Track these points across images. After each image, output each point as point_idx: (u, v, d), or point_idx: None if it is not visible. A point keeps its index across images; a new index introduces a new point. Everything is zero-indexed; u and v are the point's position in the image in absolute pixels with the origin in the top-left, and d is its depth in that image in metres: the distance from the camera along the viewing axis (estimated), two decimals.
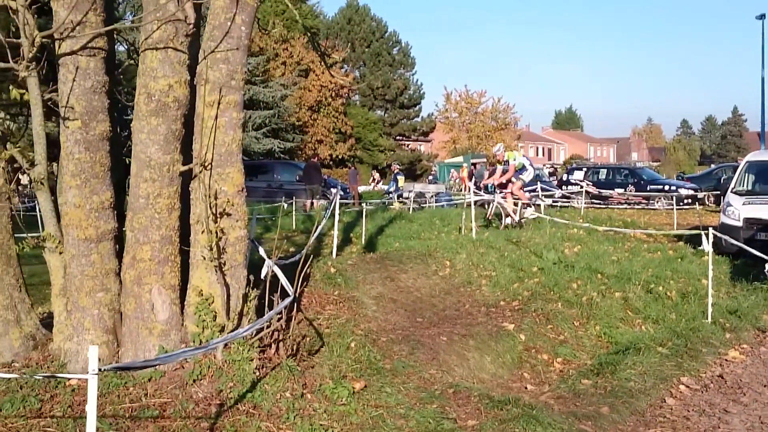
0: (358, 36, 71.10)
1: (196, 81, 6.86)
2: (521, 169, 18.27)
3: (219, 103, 6.82)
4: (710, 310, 10.52)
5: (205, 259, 6.84)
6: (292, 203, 24.73)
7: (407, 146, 77.55)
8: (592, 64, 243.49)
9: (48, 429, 5.76)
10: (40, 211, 7.31)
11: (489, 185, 22.10)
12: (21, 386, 6.35)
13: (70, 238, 6.72)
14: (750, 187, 17.72)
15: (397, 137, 75.04)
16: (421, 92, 75.57)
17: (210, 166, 6.83)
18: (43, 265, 7.25)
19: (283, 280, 7.69)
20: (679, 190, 33.83)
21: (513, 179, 18.09)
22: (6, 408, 6.00)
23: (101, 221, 6.72)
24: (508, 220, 18.62)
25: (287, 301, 7.09)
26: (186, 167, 6.82)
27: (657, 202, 32.71)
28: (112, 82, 6.94)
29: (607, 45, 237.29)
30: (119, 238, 7.02)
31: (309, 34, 25.41)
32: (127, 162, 7.17)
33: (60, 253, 6.92)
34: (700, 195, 33.77)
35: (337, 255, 13.24)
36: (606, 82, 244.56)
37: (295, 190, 30.36)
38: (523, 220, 18.65)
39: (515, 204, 18.53)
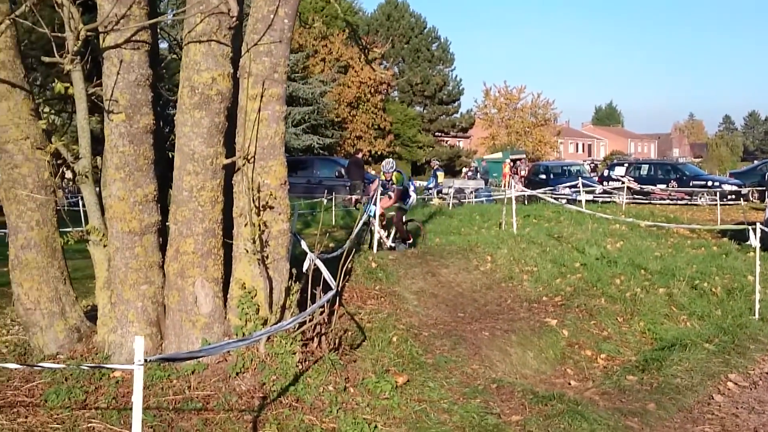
0: (397, 32, 70.88)
1: (239, 74, 6.86)
2: (405, 194, 15.39)
3: (262, 96, 6.81)
4: (758, 306, 10.36)
5: (248, 252, 6.84)
6: (331, 199, 24.75)
7: (446, 142, 77.30)
8: (632, 60, 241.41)
9: (93, 420, 5.79)
10: (82, 207, 7.35)
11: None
12: (66, 378, 6.39)
13: (114, 231, 6.75)
14: None
15: (436, 133, 74.79)
16: (460, 88, 75.28)
17: (253, 159, 6.83)
18: (86, 260, 7.30)
19: (326, 273, 7.67)
20: (723, 185, 33.35)
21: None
22: (51, 399, 6.04)
23: (145, 214, 6.75)
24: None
25: (330, 294, 7.07)
26: (229, 160, 6.82)
27: (700, 198, 32.28)
28: (155, 76, 6.95)
29: (647, 40, 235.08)
30: (163, 231, 7.04)
31: (350, 29, 25.23)
32: (170, 156, 7.18)
33: (104, 246, 6.95)
34: (743, 191, 33.30)
35: (377, 250, 13.21)
36: (647, 77, 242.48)
37: (335, 185, 30.37)
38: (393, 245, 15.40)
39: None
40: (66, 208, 8.37)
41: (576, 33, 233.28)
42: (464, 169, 50.89)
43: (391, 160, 15.30)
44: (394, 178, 14.87)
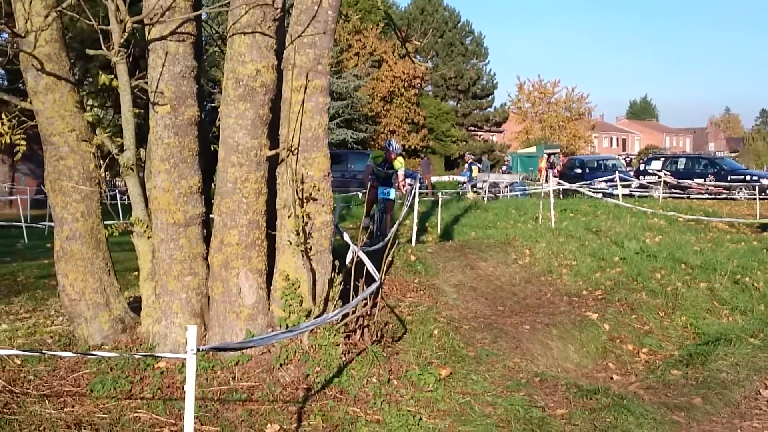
0: (431, 26, 70.68)
1: (283, 66, 6.86)
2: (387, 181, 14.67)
3: (305, 88, 6.81)
4: None
5: (291, 243, 6.85)
6: (366, 193, 24.71)
7: (480, 137, 77.00)
8: (667, 54, 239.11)
9: (138, 410, 5.82)
10: (120, 200, 7.38)
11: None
12: (111, 368, 6.44)
13: (158, 222, 6.78)
14: None
15: (470, 128, 74.53)
16: (494, 82, 74.89)
17: (296, 150, 6.83)
18: (126, 253, 7.35)
19: (369, 265, 7.68)
20: (761, 180, 32.93)
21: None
22: (97, 389, 6.09)
23: (189, 206, 6.77)
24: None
25: (374, 286, 7.07)
26: (273, 152, 6.83)
27: (738, 192, 31.91)
28: (199, 68, 6.97)
29: (682, 34, 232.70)
30: (207, 223, 7.07)
31: (389, 20, 25.20)
32: (213, 148, 7.20)
33: (148, 237, 6.98)
34: None
35: (415, 243, 13.19)
36: (682, 71, 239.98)
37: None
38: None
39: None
40: (108, 201, 8.42)
41: (610, 26, 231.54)
42: (503, 167, 50.58)
43: (394, 140, 14.57)
44: (397, 162, 13.88)
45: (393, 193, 13.90)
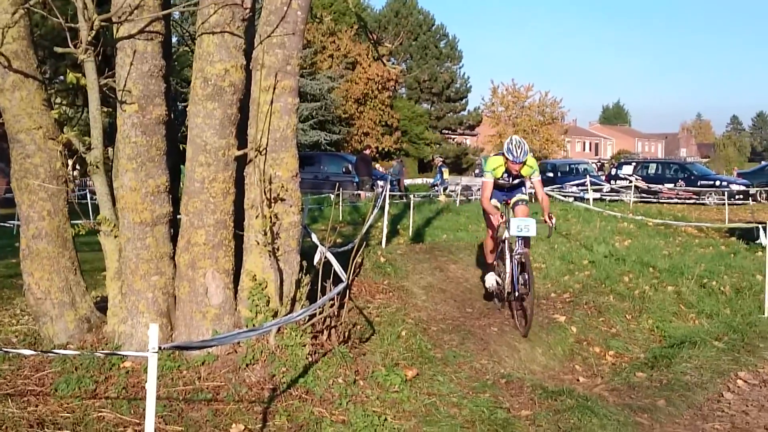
0: (405, 29, 70.86)
1: (252, 66, 6.85)
2: None
3: (274, 88, 6.81)
4: (767, 305, 10.34)
5: (259, 243, 6.84)
6: (339, 195, 24.77)
7: (453, 140, 77.29)
8: (640, 60, 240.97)
9: (103, 410, 5.79)
10: (90, 200, 7.35)
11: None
12: (76, 367, 6.40)
13: (125, 221, 6.75)
14: None
15: (443, 131, 74.83)
16: (468, 86, 75.35)
17: (265, 151, 6.82)
18: (95, 253, 7.31)
19: (337, 266, 7.68)
20: (731, 185, 33.29)
21: None
22: (62, 388, 6.05)
23: (156, 205, 6.75)
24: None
25: (341, 287, 7.07)
26: (241, 152, 6.81)
27: (708, 197, 32.23)
28: (168, 68, 6.95)
29: (655, 40, 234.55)
30: (174, 223, 7.04)
31: (361, 23, 25.21)
32: (182, 147, 7.18)
33: (115, 236, 6.95)
34: (751, 191, 33.25)
35: (386, 245, 13.21)
36: (654, 77, 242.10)
37: (342, 181, 30.38)
38: None
39: None
40: (76, 201, 8.37)
41: (584, 32, 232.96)
42: (476, 170, 50.73)
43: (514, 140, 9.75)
44: (528, 168, 10.19)
45: (533, 226, 9.47)
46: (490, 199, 9.99)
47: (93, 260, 9.57)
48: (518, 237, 9.55)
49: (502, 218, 9.55)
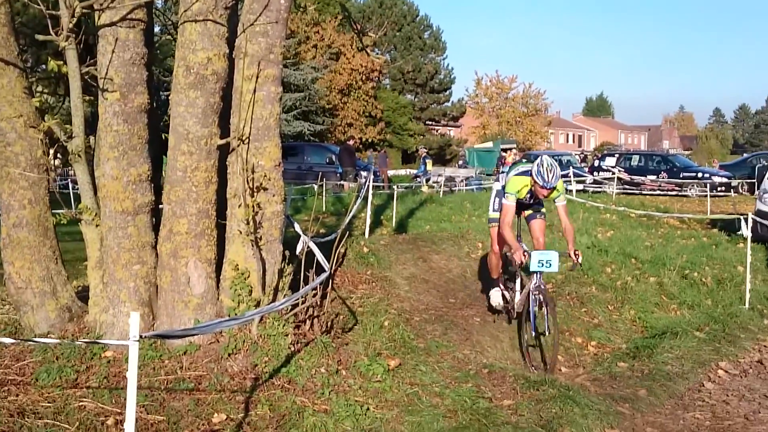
0: (389, 19, 70.69)
1: (235, 54, 6.82)
2: None
3: (257, 77, 6.78)
4: (748, 296, 10.43)
5: (241, 233, 6.82)
6: (322, 185, 24.75)
7: (437, 131, 77.27)
8: (624, 52, 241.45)
9: (84, 399, 5.78)
10: (72, 189, 7.31)
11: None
12: (57, 357, 6.38)
13: (107, 210, 6.71)
14: None
15: (427, 122, 74.74)
16: (452, 77, 75.24)
17: (248, 140, 6.80)
18: (77, 243, 7.27)
19: (319, 255, 7.67)
20: (713, 177, 33.46)
21: None
22: (42, 378, 6.03)
23: (138, 194, 6.71)
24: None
25: (323, 276, 7.07)
26: (224, 141, 6.79)
27: (690, 189, 32.39)
28: (150, 56, 6.91)
29: (639, 32, 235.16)
30: (156, 212, 7.01)
31: (345, 13, 25.15)
32: (164, 137, 7.14)
33: (96, 225, 6.91)
34: (733, 183, 33.43)
35: (369, 236, 13.20)
36: (638, 69, 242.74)
37: (325, 172, 30.34)
38: None
39: None
40: (57, 191, 8.32)
41: (568, 24, 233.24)
42: (460, 161, 50.76)
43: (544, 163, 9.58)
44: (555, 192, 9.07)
45: (556, 262, 8.49)
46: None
47: (75, 250, 9.51)
48: (537, 272, 8.48)
49: (525, 256, 8.37)
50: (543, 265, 8.36)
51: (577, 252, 8.48)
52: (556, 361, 8.41)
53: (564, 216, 8.83)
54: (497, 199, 9.37)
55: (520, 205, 9.04)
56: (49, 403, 5.69)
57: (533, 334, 8.58)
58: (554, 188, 8.47)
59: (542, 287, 8.55)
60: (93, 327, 6.89)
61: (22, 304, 6.99)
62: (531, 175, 8.46)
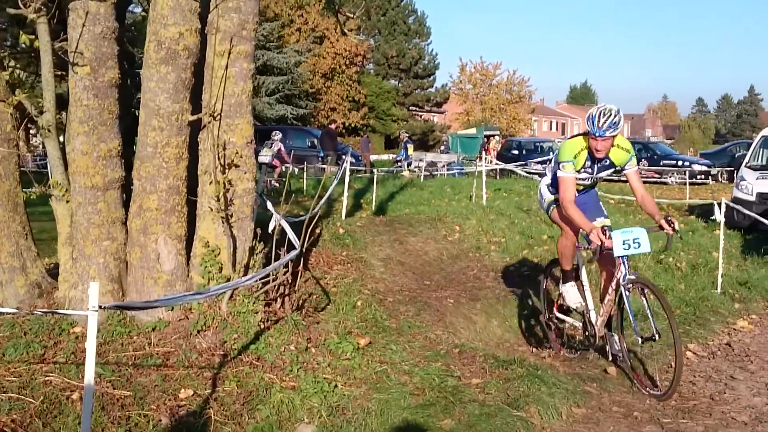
0: (373, 4, 70.44)
1: (207, 30, 6.79)
2: None
3: (230, 53, 6.75)
4: (720, 280, 10.49)
5: (212, 210, 6.80)
6: (303, 168, 24.73)
7: (420, 117, 77.12)
8: (608, 40, 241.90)
9: (50, 374, 5.77)
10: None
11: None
12: (25, 332, 6.38)
13: (76, 185, 6.68)
14: (764, 162, 17.64)
15: (411, 107, 74.56)
16: (436, 62, 74.98)
17: (219, 116, 6.77)
18: (53, 222, 7.22)
19: (291, 233, 7.66)
20: (693, 165, 33.64)
21: None
22: (9, 353, 6.02)
23: (108, 169, 6.68)
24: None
25: (293, 253, 7.06)
26: (195, 117, 6.76)
27: (670, 177, 32.54)
28: (121, 30, 6.87)
29: (623, 21, 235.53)
30: (126, 188, 6.97)
31: None
32: (135, 113, 7.11)
33: (67, 201, 6.89)
34: (713, 171, 33.63)
35: (346, 218, 13.20)
36: (622, 58, 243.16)
37: (307, 155, 30.27)
38: None
39: None
40: (37, 169, 8.25)
41: (552, 11, 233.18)
42: (442, 147, 50.78)
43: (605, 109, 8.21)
44: (621, 151, 7.28)
45: (645, 239, 6.83)
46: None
47: (51, 229, 9.46)
48: (624, 257, 6.91)
49: (605, 234, 6.71)
50: (630, 246, 6.73)
51: (670, 219, 6.91)
52: (680, 375, 6.62)
53: (638, 184, 7.22)
54: (550, 179, 7.82)
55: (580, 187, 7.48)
56: (15, 377, 5.68)
57: (639, 340, 6.99)
58: (612, 140, 6.85)
59: (635, 275, 7.11)
60: (62, 303, 6.87)
61: None
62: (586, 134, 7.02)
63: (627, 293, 6.97)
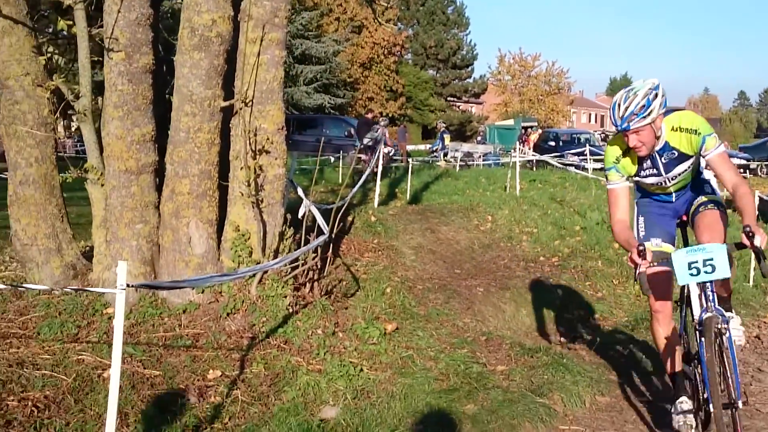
0: None
1: (240, 17, 6.88)
2: None
3: (262, 40, 6.83)
4: (752, 273, 10.42)
5: (242, 195, 6.90)
6: (339, 158, 24.84)
7: (458, 107, 76.93)
8: (648, 32, 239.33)
9: (83, 353, 5.91)
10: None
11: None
12: (60, 312, 6.52)
13: (111, 169, 6.81)
14: None
15: (448, 98, 74.41)
16: (474, 53, 74.72)
17: (251, 102, 6.87)
18: (90, 206, 7.36)
19: (319, 218, 7.74)
20: (732, 159, 33.28)
21: None
22: (44, 332, 6.17)
23: (142, 153, 6.80)
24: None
25: (322, 238, 7.15)
26: (227, 103, 6.86)
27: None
28: (155, 16, 6.97)
29: (664, 12, 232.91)
30: (159, 172, 7.09)
31: None
32: (169, 98, 7.22)
33: (101, 185, 7.02)
34: (752, 165, 33.29)
35: (380, 206, 13.27)
36: (662, 51, 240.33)
37: (344, 145, 30.33)
38: None
39: None
40: (76, 155, 8.41)
41: (592, 2, 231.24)
42: (478, 138, 50.62)
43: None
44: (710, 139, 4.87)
45: (722, 259, 4.76)
46: (640, 232, 5.77)
47: (88, 214, 9.64)
48: (698, 283, 4.94)
49: (645, 259, 4.84)
50: (699, 270, 4.78)
51: (750, 231, 4.58)
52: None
53: (724, 171, 5.12)
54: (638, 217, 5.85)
55: (659, 193, 5.72)
56: (48, 355, 5.83)
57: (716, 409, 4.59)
58: (650, 130, 5.05)
59: (716, 314, 4.84)
60: (96, 284, 7.01)
61: (27, 261, 7.11)
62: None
63: (702, 339, 4.78)
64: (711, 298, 4.93)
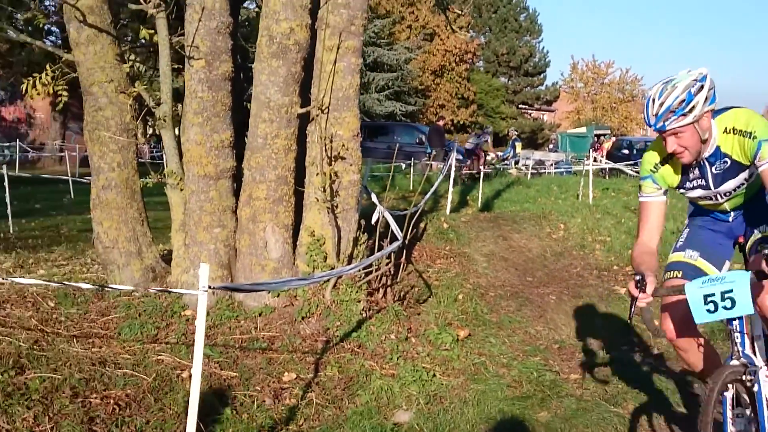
0: (485, 1, 70.10)
1: (317, 25, 6.98)
2: None
3: (338, 48, 6.92)
4: None
5: (318, 200, 6.99)
6: (410, 165, 24.92)
7: (529, 115, 76.39)
8: (724, 39, 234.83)
9: (162, 354, 6.03)
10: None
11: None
12: (140, 314, 6.68)
13: (190, 174, 6.96)
14: None
15: (520, 105, 73.90)
16: (547, 60, 74.03)
17: (327, 109, 6.96)
18: (168, 211, 7.54)
19: (393, 225, 7.79)
20: None
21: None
22: (125, 332, 6.33)
23: (220, 159, 6.94)
24: None
25: (396, 244, 7.18)
26: (304, 110, 6.96)
27: None
28: (235, 25, 7.12)
29: (743, 19, 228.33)
30: (237, 177, 7.23)
31: None
32: (247, 106, 7.36)
33: (180, 189, 7.18)
34: None
35: (451, 213, 13.28)
36: (738, 57, 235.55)
37: (415, 152, 30.38)
38: None
39: None
40: (152, 160, 8.61)
41: (667, 10, 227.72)
42: (550, 145, 50.22)
43: None
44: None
45: (744, 292, 3.73)
46: (681, 249, 4.83)
47: (166, 218, 9.86)
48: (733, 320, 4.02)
49: (644, 292, 3.93)
50: (716, 306, 3.83)
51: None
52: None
53: None
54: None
55: (712, 210, 4.73)
56: (129, 355, 5.97)
57: None
58: (695, 131, 4.11)
59: (747, 358, 4.06)
60: (174, 287, 7.16)
61: (108, 263, 7.31)
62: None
63: (724, 396, 3.92)
64: (739, 340, 4.03)
